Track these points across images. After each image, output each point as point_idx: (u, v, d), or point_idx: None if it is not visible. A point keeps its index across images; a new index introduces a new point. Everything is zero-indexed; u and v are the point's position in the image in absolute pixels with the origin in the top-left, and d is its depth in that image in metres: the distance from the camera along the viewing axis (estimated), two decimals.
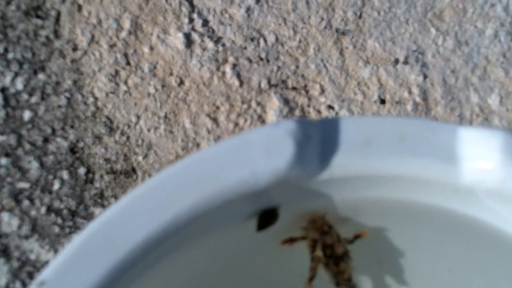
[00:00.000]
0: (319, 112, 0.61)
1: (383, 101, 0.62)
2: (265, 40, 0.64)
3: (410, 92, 0.63)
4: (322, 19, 0.65)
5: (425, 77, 0.63)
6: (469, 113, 0.63)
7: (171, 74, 0.62)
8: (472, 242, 0.39)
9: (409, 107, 0.62)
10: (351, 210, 0.38)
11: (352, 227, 0.39)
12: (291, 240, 0.39)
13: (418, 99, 0.63)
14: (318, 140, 0.33)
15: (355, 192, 0.35)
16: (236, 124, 0.60)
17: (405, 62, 0.64)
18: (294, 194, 0.35)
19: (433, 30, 0.65)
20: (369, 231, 0.38)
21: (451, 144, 0.33)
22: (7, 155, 0.57)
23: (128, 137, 0.59)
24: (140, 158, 0.58)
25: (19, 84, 0.60)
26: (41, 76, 0.61)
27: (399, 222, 0.39)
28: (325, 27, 0.65)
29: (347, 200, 0.36)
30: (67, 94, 0.60)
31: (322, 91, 0.62)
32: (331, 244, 0.38)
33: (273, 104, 0.61)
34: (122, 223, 0.30)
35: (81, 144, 0.59)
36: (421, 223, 0.38)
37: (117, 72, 0.62)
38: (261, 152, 0.32)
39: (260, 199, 0.34)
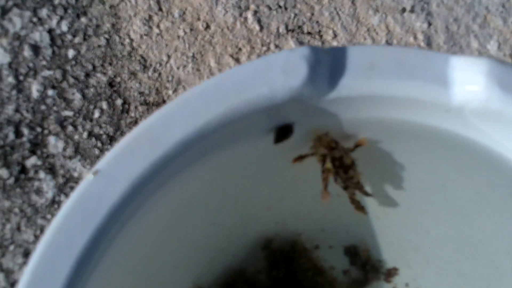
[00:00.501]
0: None
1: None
2: None
3: (415, 38, 0.65)
4: None
5: (430, 24, 0.66)
6: None
7: (199, 19, 0.65)
8: (461, 159, 0.41)
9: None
10: (355, 128, 0.40)
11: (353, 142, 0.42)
12: (300, 158, 0.42)
13: (422, 44, 0.65)
14: (328, 64, 0.36)
15: (359, 112, 0.38)
16: None
17: (412, 10, 0.66)
18: (307, 112, 0.38)
19: None
20: (367, 141, 0.41)
21: (443, 70, 0.35)
22: (53, 87, 0.61)
23: (159, 74, 0.62)
24: (170, 92, 0.62)
25: (64, 26, 0.63)
26: (83, 19, 0.64)
27: (398, 140, 0.41)
28: None
29: (352, 118, 0.39)
30: (106, 36, 0.63)
31: (335, 36, 0.65)
32: (339, 156, 0.41)
33: (290, 47, 0.63)
34: (161, 127, 0.34)
35: (118, 79, 0.62)
36: (416, 141, 0.41)
37: (150, 17, 0.64)
38: (279, 72, 0.35)
39: (277, 115, 0.37)
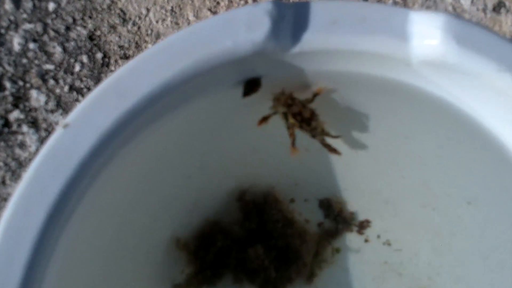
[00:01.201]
0: None
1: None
2: None
3: None
4: None
5: None
6: (443, 11, 0.66)
7: None
8: (421, 112, 0.43)
9: (389, 4, 0.65)
10: (320, 81, 0.42)
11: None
12: (264, 119, 0.44)
13: None
14: (291, 18, 0.37)
15: (323, 65, 0.40)
16: None
17: None
18: (272, 66, 0.39)
19: None
20: (324, 89, 0.42)
21: (403, 25, 0.37)
22: (34, 40, 0.62)
23: (139, 27, 0.63)
24: (149, 45, 0.63)
25: None
26: None
27: (361, 93, 0.43)
28: None
29: (317, 71, 0.40)
30: None
31: None
32: (298, 111, 0.43)
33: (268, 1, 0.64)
34: (130, 80, 0.35)
35: (98, 33, 0.63)
36: (379, 94, 0.43)
37: None
38: (243, 27, 0.36)
39: (243, 68, 0.39)
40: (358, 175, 0.52)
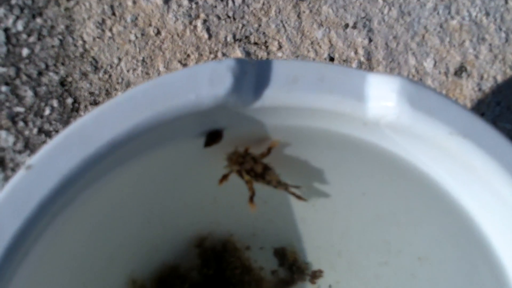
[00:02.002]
0: None
1: (332, 59, 0.67)
2: (233, 1, 0.68)
3: (356, 53, 0.68)
4: None
5: (370, 40, 0.68)
6: (407, 73, 0.67)
7: (150, 25, 0.66)
8: (379, 169, 0.44)
9: (354, 65, 0.66)
10: (280, 136, 0.43)
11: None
12: (224, 177, 0.45)
13: (362, 59, 0.67)
14: (253, 76, 0.38)
15: (283, 120, 0.40)
16: None
17: (354, 27, 0.68)
18: (234, 119, 0.40)
19: (380, 1, 0.70)
20: (278, 142, 0.43)
21: (360, 86, 0.37)
22: (6, 84, 0.62)
23: (110, 76, 0.64)
24: (119, 93, 0.63)
25: (20, 26, 0.65)
26: (38, 20, 0.65)
27: (321, 148, 0.44)
28: None
29: (277, 126, 0.41)
30: (60, 37, 0.64)
31: (280, 47, 0.67)
32: (250, 168, 0.44)
33: (237, 55, 0.66)
34: (92, 127, 0.35)
35: (69, 79, 0.63)
36: (338, 150, 0.43)
37: (103, 20, 0.66)
38: (206, 81, 0.37)
39: (206, 121, 0.39)
40: (314, 227, 0.52)
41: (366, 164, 0.44)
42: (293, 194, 0.46)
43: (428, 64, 0.68)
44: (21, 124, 0.61)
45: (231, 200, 0.50)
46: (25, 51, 0.64)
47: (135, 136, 0.36)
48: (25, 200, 0.34)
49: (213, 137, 0.42)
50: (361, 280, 0.54)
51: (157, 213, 0.48)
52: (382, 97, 0.37)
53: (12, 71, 0.63)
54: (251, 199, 0.46)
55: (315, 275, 0.55)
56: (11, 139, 0.60)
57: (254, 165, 0.44)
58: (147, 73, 0.65)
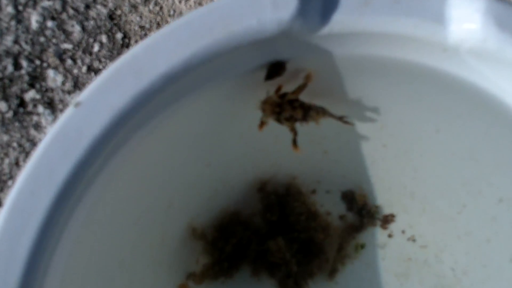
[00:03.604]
0: None
1: None
2: None
3: None
4: None
5: None
6: None
7: None
8: (457, 102, 0.41)
9: None
10: (349, 67, 0.40)
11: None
12: (262, 124, 0.42)
13: None
14: None
15: (353, 49, 0.37)
16: None
17: None
18: (299, 48, 0.37)
19: None
20: (313, 74, 0.40)
21: (440, 7, 0.34)
22: (53, 18, 0.60)
23: (161, 7, 0.61)
24: None
25: None
26: None
27: (393, 80, 0.41)
28: None
29: (346, 56, 0.38)
30: None
31: None
32: (289, 116, 0.41)
33: None
34: (146, 58, 0.33)
35: (118, 12, 0.61)
36: (412, 82, 0.40)
37: None
38: (268, 5, 0.34)
39: (268, 50, 0.37)
40: (385, 168, 0.50)
41: (442, 96, 0.41)
42: (340, 119, 0.43)
43: None
44: (69, 62, 0.60)
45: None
46: None
47: (192, 68, 0.34)
48: (76, 140, 0.32)
49: (275, 69, 0.39)
50: (437, 224, 0.51)
51: (215, 155, 0.46)
52: (465, 18, 0.34)
53: (58, 5, 0.61)
54: (294, 142, 0.43)
55: (387, 220, 0.53)
56: (59, 78, 0.59)
57: (293, 111, 0.41)
58: (199, 3, 0.62)
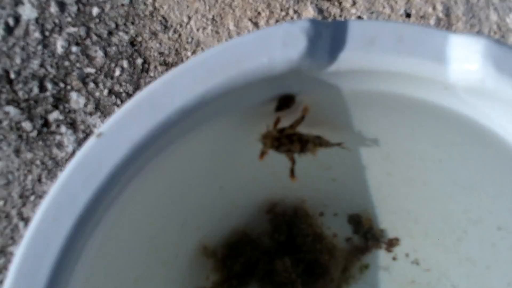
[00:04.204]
0: None
1: (408, 15, 0.65)
2: None
3: (434, 8, 0.65)
4: None
5: None
6: (488, 30, 0.64)
7: None
8: (458, 136, 0.42)
9: (432, 21, 0.64)
10: (355, 101, 0.41)
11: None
12: (262, 154, 0.43)
13: (441, 15, 0.65)
14: (328, 37, 0.36)
15: (359, 85, 0.39)
16: None
17: None
18: (308, 84, 0.38)
19: None
20: (309, 107, 0.41)
21: (442, 47, 0.35)
22: (77, 44, 0.62)
23: (179, 35, 0.63)
24: (189, 53, 0.63)
25: None
26: None
27: (398, 114, 0.42)
28: None
29: (352, 91, 0.40)
30: None
31: (354, 3, 0.65)
32: (287, 149, 0.43)
33: (308, 13, 0.64)
34: (163, 93, 0.35)
35: (139, 39, 0.63)
36: (415, 116, 0.42)
37: None
38: (279, 44, 0.35)
39: (278, 85, 0.38)
40: (390, 193, 0.51)
41: (444, 130, 0.43)
42: (338, 145, 0.45)
43: (511, 19, 0.65)
44: (91, 85, 0.62)
45: (302, 164, 0.49)
46: (95, 10, 0.64)
47: (206, 102, 0.36)
48: (96, 168, 0.34)
49: (285, 101, 0.41)
50: (440, 249, 0.52)
51: (227, 178, 0.48)
52: (465, 59, 0.35)
53: (82, 31, 0.63)
54: (292, 171, 0.45)
55: (391, 243, 0.54)
56: (82, 100, 0.61)
57: (291, 145, 0.43)
58: (217, 32, 0.64)
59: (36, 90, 0.60)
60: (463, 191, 0.47)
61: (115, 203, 0.36)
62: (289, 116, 0.42)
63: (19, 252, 0.33)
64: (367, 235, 0.54)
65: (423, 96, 0.39)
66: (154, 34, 0.63)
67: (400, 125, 0.44)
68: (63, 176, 0.34)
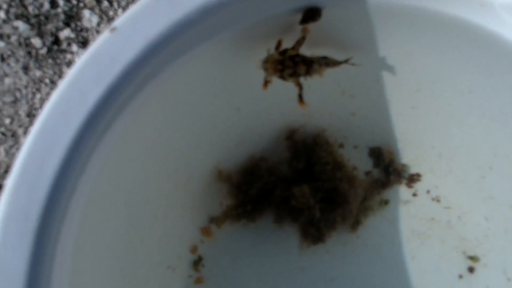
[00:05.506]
0: None
1: None
2: None
3: None
4: None
5: None
6: None
7: None
8: (491, 58, 0.40)
9: None
10: (382, 16, 0.39)
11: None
12: (267, 83, 0.41)
13: None
14: None
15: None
16: None
17: None
18: None
19: None
20: (310, 27, 0.39)
21: None
22: None
23: None
24: None
25: None
26: None
27: (429, 33, 0.40)
28: None
29: (381, 6, 0.37)
30: None
31: None
32: (292, 72, 0.40)
33: None
34: None
35: None
36: (447, 40, 0.40)
37: None
38: None
39: None
40: (414, 127, 0.50)
41: (477, 51, 0.40)
42: (346, 62, 0.42)
43: None
44: (105, 3, 0.59)
45: (325, 90, 0.47)
46: None
47: (229, 3, 0.33)
48: (109, 65, 0.32)
49: (311, 13, 0.39)
50: (462, 186, 0.50)
51: (245, 100, 0.46)
52: None
53: None
54: (300, 97, 0.42)
55: (413, 179, 0.52)
56: (94, 19, 0.58)
57: (295, 67, 0.40)
58: None
59: (47, 5, 0.58)
60: (492, 124, 0.45)
61: (127, 107, 0.34)
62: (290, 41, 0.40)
63: (24, 147, 0.30)
64: (388, 169, 0.52)
65: (457, 12, 0.37)
66: None
67: (430, 48, 0.41)
68: (73, 71, 0.32)
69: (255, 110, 0.47)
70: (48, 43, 0.57)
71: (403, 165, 0.52)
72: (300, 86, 0.42)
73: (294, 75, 0.41)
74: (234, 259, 0.51)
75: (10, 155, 0.56)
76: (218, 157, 0.49)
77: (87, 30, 0.58)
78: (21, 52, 0.57)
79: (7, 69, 0.57)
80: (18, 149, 0.55)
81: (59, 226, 0.31)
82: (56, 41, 0.57)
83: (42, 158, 0.31)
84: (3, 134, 0.56)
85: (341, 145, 0.52)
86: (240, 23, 0.36)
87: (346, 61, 0.42)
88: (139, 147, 0.39)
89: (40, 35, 0.57)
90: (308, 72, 0.41)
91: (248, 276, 0.51)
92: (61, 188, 0.31)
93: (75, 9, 0.58)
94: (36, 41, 0.57)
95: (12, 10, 0.57)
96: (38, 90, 0.57)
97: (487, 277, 0.50)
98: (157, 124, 0.39)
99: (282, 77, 0.41)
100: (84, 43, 0.58)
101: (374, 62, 0.43)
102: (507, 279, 0.49)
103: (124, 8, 0.59)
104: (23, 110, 0.56)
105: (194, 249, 0.51)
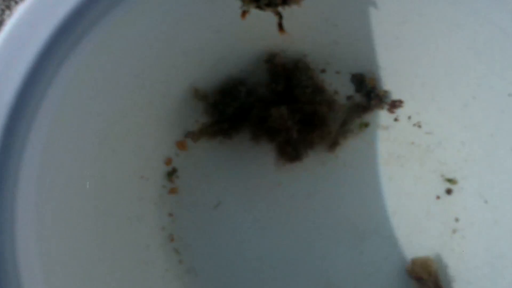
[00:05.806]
0: None
1: None
2: None
3: None
4: None
5: None
6: None
7: None
8: None
9: None
10: None
11: None
12: (244, 13, 0.41)
13: None
14: None
15: None
16: None
17: None
18: None
19: None
20: None
21: None
22: None
23: None
24: None
25: None
26: None
27: None
28: None
29: None
30: None
31: None
32: (269, 2, 0.40)
33: None
34: None
35: None
36: None
37: None
38: None
39: None
40: (398, 56, 0.49)
41: None
42: None
43: None
44: None
45: (307, 19, 0.47)
46: None
47: None
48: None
49: None
50: (444, 113, 0.51)
51: (227, 24, 0.45)
52: None
53: None
54: (280, 25, 0.42)
55: (394, 105, 0.52)
56: None
57: None
58: None
59: None
60: (477, 56, 0.46)
61: (101, 21, 0.33)
62: None
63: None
64: (370, 95, 0.52)
65: None
66: None
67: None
68: None
69: (235, 33, 0.47)
70: None
71: (386, 91, 0.52)
72: (279, 15, 0.41)
73: (271, 4, 0.40)
74: (209, 172, 0.52)
75: None
76: (195, 76, 0.49)
77: None
78: None
79: None
80: None
81: (26, 134, 0.31)
82: None
83: (9, 67, 0.30)
84: None
85: (323, 70, 0.52)
86: None
87: None
88: (113, 61, 0.39)
89: None
90: (285, 1, 0.41)
91: (223, 189, 0.52)
92: (28, 95, 0.31)
93: None
94: None
95: None
96: (8, 7, 0.57)
97: (465, 199, 0.50)
98: (131, 41, 0.39)
99: (259, 6, 0.40)
100: None
101: None
102: (484, 201, 0.49)
103: None
104: None
105: (168, 161, 0.51)
